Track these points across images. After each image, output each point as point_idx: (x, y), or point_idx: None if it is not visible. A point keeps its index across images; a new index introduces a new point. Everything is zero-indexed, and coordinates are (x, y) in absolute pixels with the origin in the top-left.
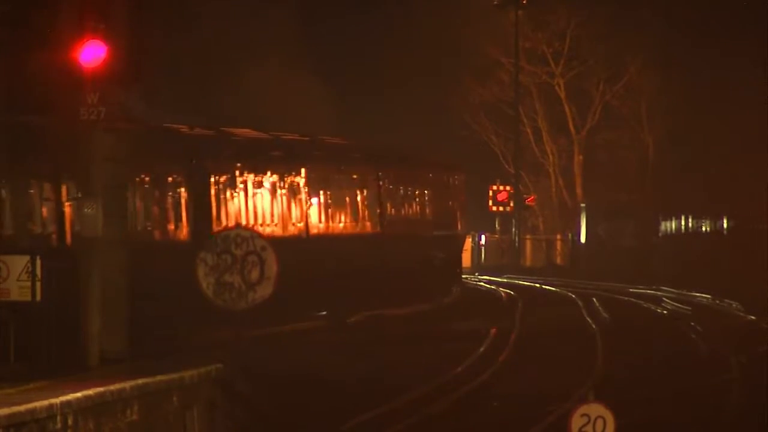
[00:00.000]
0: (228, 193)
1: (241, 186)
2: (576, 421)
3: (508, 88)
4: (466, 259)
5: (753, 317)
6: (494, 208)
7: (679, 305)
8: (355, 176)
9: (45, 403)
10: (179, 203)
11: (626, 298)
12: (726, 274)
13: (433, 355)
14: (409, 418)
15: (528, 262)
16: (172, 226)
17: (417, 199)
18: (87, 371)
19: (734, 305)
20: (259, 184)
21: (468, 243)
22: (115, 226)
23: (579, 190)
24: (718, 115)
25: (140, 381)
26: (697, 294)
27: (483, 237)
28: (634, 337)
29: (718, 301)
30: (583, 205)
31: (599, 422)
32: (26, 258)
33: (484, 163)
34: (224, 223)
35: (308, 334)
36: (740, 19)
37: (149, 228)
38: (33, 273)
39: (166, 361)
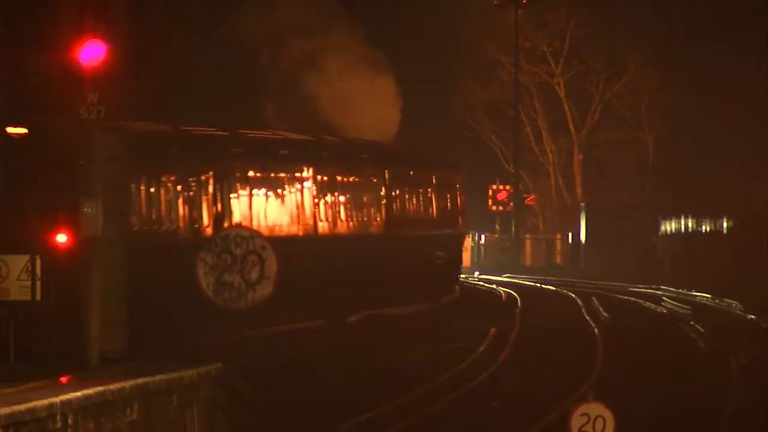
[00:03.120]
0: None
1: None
2: (576, 421)
3: (508, 87)
4: (466, 259)
5: (753, 317)
6: (494, 208)
7: (679, 305)
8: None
9: (45, 402)
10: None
11: (626, 298)
12: (726, 274)
13: (433, 354)
14: (409, 417)
15: (528, 262)
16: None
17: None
18: (87, 371)
19: (734, 305)
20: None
21: (468, 242)
22: (116, 226)
23: (579, 190)
24: (718, 114)
25: (140, 380)
26: (697, 294)
27: (483, 236)
28: (633, 336)
29: (718, 301)
30: (582, 204)
31: (599, 421)
32: (26, 257)
33: (484, 163)
34: (320, 219)
35: (308, 333)
36: (740, 17)
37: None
38: (33, 272)
39: (166, 360)
